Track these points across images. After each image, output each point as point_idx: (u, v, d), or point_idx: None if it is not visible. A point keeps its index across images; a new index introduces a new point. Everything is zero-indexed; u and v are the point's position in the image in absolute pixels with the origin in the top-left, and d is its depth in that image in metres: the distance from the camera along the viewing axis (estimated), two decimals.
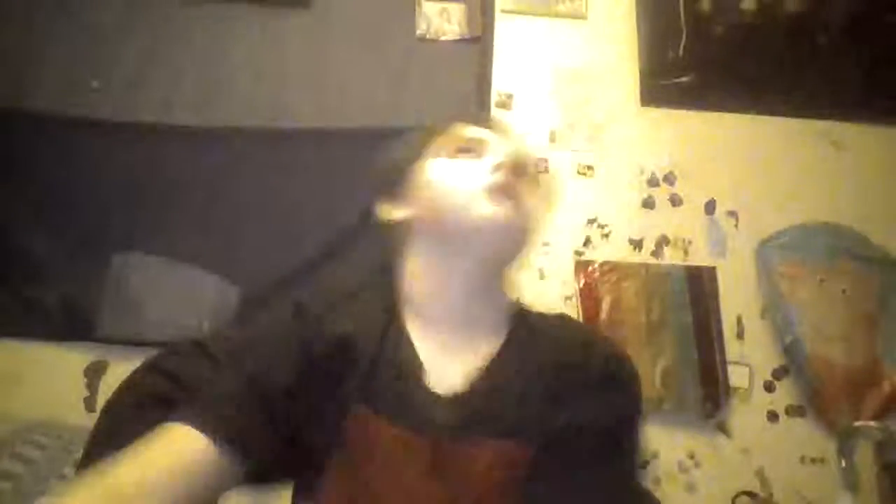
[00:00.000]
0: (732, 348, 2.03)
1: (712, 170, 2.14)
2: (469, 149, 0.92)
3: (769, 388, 2.03)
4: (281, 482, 0.89)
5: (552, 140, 2.13)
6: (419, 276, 0.93)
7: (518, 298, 0.98)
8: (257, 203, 2.01)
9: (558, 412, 0.85)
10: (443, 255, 0.90)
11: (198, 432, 0.75)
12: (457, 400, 0.85)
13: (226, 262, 1.98)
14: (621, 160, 2.14)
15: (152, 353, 0.90)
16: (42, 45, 2.07)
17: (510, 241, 0.91)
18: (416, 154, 0.94)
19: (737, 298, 2.07)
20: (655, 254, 2.09)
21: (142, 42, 2.10)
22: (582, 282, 2.05)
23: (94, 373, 1.92)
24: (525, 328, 0.94)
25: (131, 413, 0.79)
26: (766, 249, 2.08)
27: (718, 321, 2.04)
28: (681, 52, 2.18)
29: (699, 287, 2.06)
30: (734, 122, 2.17)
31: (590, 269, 2.06)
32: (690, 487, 1.96)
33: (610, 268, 2.06)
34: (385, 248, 0.95)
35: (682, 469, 1.97)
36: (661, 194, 2.12)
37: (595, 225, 2.10)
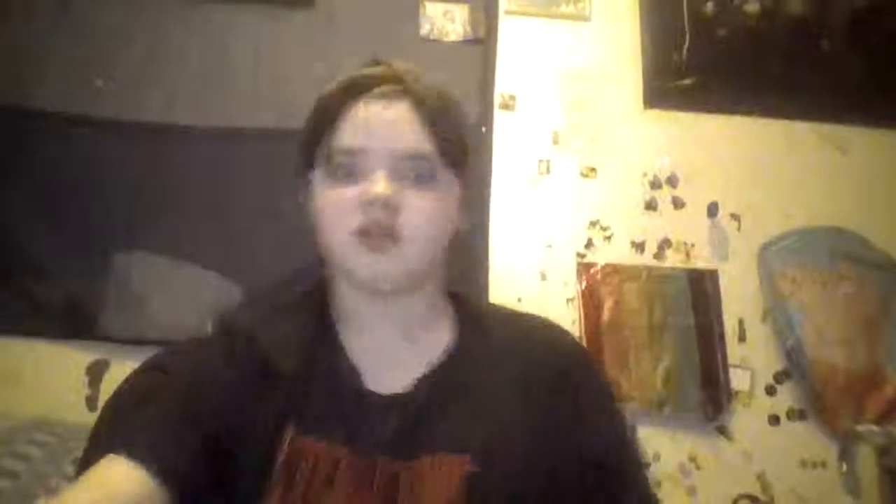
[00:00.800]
0: (734, 351, 2.03)
1: (715, 172, 2.13)
2: (348, 169, 0.81)
3: (771, 391, 2.02)
4: None
5: (555, 142, 2.13)
6: (338, 284, 0.87)
7: (468, 294, 0.92)
8: (260, 202, 2.01)
9: (521, 424, 0.80)
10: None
11: (132, 463, 0.70)
12: (396, 404, 0.80)
13: (228, 261, 1.97)
14: (624, 162, 2.13)
15: (154, 351, 0.89)
16: (44, 42, 2.06)
17: (396, 283, 0.81)
18: (313, 139, 0.85)
19: (739, 301, 2.06)
20: (658, 256, 2.09)
21: (145, 40, 2.09)
22: (584, 284, 2.04)
23: (96, 371, 1.92)
24: (474, 329, 0.87)
25: (133, 412, 0.78)
26: (768, 252, 2.07)
27: (720, 324, 2.04)
28: (684, 54, 2.18)
29: (701, 290, 2.06)
30: (737, 125, 2.17)
31: (592, 271, 2.06)
32: (691, 490, 1.95)
33: (612, 270, 2.06)
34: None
35: (684, 472, 1.96)
36: (664, 197, 2.12)
37: (597, 227, 2.09)
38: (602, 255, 2.08)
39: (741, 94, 2.17)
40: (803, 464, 1.97)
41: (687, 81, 2.18)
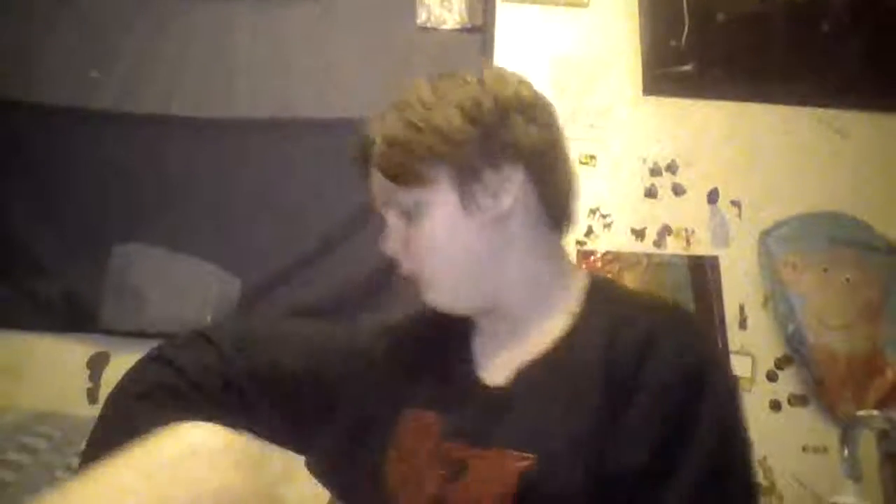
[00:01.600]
0: (735, 338, 2.03)
1: (715, 159, 2.13)
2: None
3: (772, 377, 2.03)
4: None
5: None
6: None
7: (609, 281, 0.97)
8: (259, 194, 2.01)
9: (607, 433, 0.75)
10: None
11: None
12: (491, 396, 0.84)
13: (227, 253, 1.97)
14: (623, 149, 2.13)
15: (154, 343, 0.89)
16: (42, 35, 2.05)
17: (465, 310, 0.92)
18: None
19: (739, 288, 2.06)
20: (658, 243, 2.09)
21: (143, 32, 2.08)
22: None
23: (97, 364, 1.92)
24: (589, 321, 0.84)
25: (135, 404, 0.79)
26: (768, 238, 2.07)
27: (721, 311, 2.03)
28: (683, 40, 2.17)
29: (701, 277, 2.06)
30: (737, 111, 2.16)
31: (592, 258, 2.06)
32: None
33: (612, 258, 2.06)
34: None
35: None
36: (664, 184, 2.11)
37: (597, 214, 2.09)
38: (602, 243, 2.08)
39: (741, 80, 2.16)
40: (805, 449, 1.98)
41: (686, 68, 2.17)
